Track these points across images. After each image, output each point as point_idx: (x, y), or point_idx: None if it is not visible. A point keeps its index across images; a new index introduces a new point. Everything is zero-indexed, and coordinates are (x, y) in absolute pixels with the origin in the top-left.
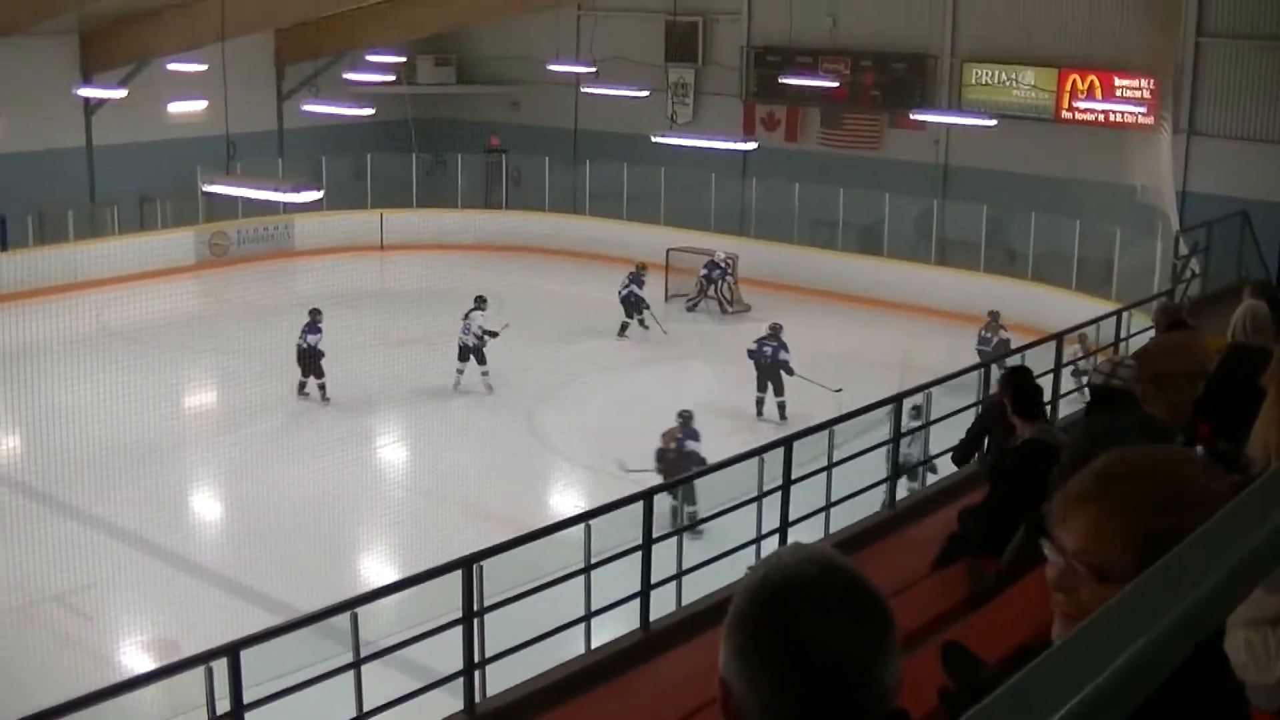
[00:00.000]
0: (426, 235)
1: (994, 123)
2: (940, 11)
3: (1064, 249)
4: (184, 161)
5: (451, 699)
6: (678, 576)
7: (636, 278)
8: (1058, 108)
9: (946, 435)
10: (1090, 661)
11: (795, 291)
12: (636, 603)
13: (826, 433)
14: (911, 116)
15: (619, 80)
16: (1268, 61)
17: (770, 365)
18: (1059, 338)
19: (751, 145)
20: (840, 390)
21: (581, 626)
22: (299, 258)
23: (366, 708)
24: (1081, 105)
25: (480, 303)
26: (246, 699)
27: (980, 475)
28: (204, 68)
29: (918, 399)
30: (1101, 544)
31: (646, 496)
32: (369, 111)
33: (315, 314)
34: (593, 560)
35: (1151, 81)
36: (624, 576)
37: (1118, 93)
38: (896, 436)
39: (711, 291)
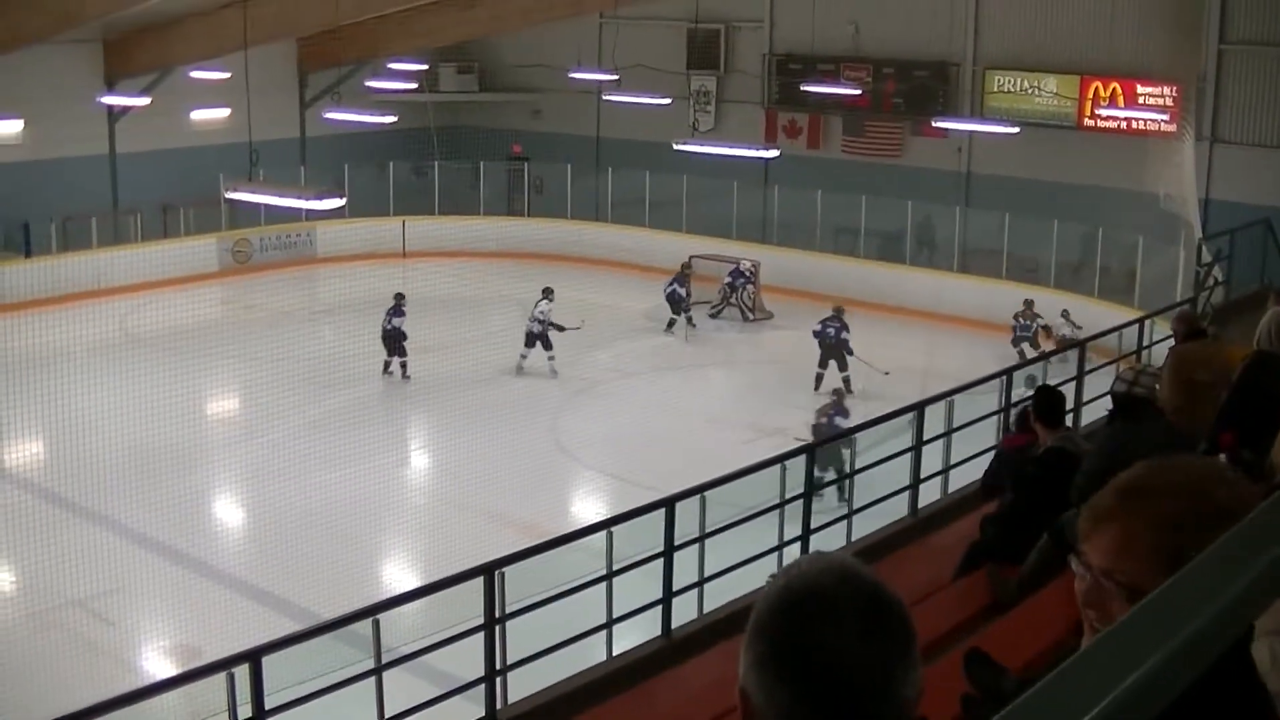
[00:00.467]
0: (449, 243)
1: (1016, 130)
2: (962, 19)
3: (1086, 257)
4: (207, 169)
5: (473, 706)
6: (699, 584)
7: (681, 276)
8: (1080, 115)
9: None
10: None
11: (817, 299)
12: (658, 610)
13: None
14: (933, 124)
15: (641, 88)
16: None
17: (834, 344)
18: (1081, 345)
19: (773, 153)
20: (888, 373)
21: (603, 634)
22: (321, 265)
23: (388, 714)
24: (1104, 113)
25: (547, 294)
26: (268, 705)
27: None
28: (227, 75)
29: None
30: (1129, 561)
31: (669, 504)
32: (391, 119)
33: (399, 298)
34: (614, 567)
35: (1174, 89)
36: (645, 584)
37: (1140, 100)
38: (919, 444)
39: (734, 299)
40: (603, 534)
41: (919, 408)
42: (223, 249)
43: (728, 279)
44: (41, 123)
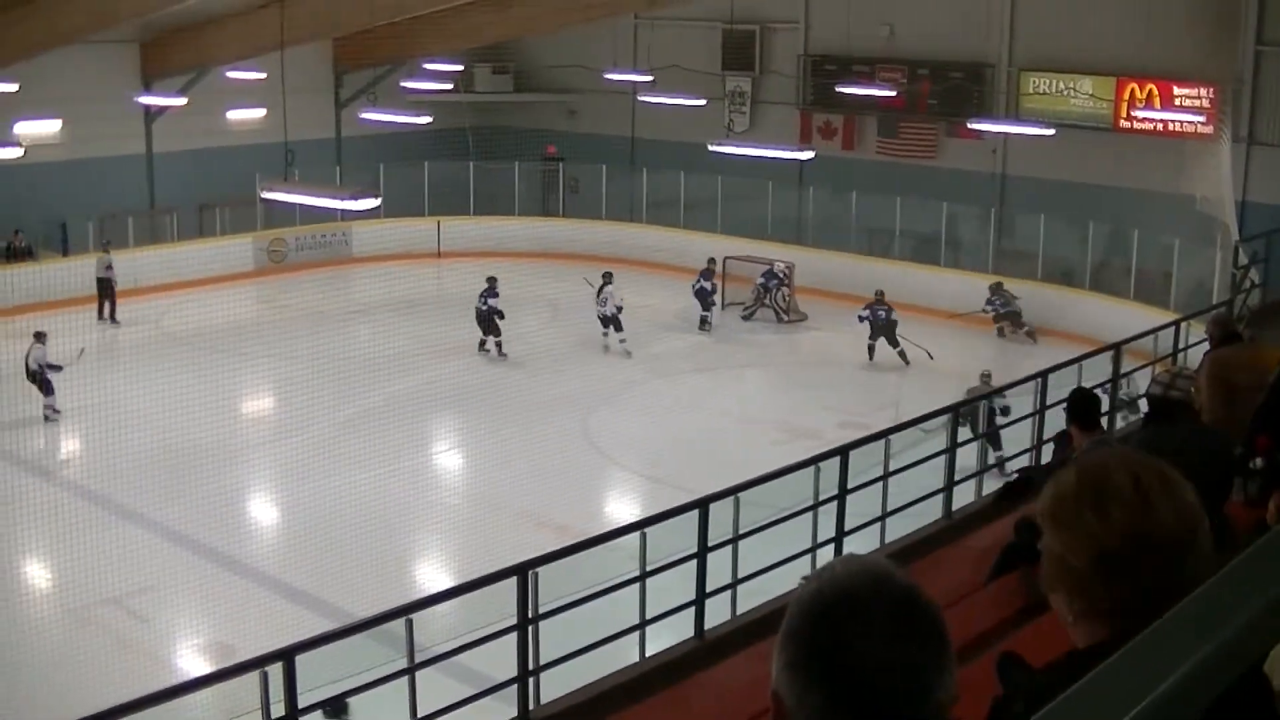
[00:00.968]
0: (484, 243)
1: (1052, 132)
2: (998, 20)
3: (1121, 259)
4: (243, 169)
5: (505, 706)
6: (732, 585)
7: (707, 272)
8: (1116, 117)
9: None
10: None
11: (851, 300)
12: (691, 611)
13: (883, 442)
14: (969, 126)
15: (676, 89)
16: None
17: (885, 325)
18: (1116, 348)
19: (808, 154)
20: (933, 357)
21: (636, 635)
22: (357, 264)
23: (421, 713)
24: (1140, 114)
25: (607, 277)
26: (301, 704)
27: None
28: (263, 76)
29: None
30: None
31: (702, 505)
32: (427, 120)
33: (492, 281)
34: (648, 568)
35: (1210, 90)
36: (679, 585)
37: (1177, 102)
38: (953, 446)
39: (767, 300)
40: (636, 535)
41: (953, 410)
42: (258, 249)
43: (760, 280)
44: (79, 122)
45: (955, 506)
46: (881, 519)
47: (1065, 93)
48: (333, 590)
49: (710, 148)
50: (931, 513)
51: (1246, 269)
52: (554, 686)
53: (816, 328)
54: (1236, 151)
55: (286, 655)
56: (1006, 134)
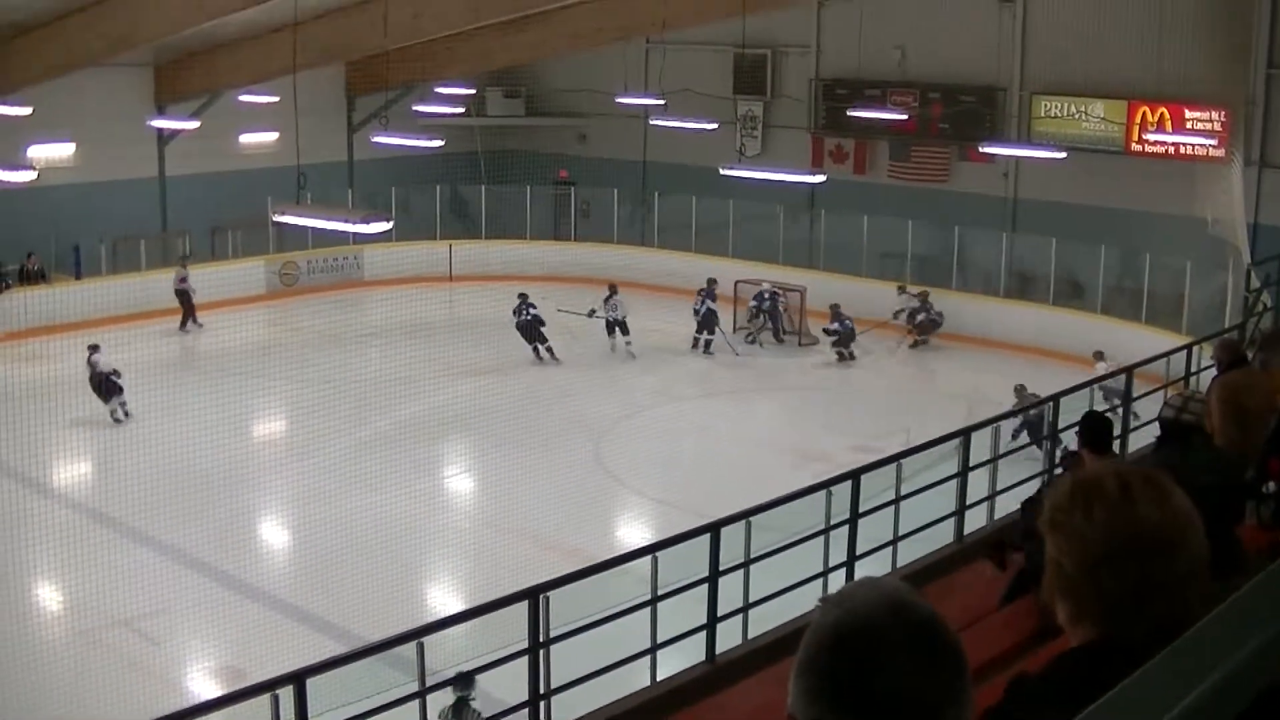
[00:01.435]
0: (496, 266)
1: (1063, 155)
2: (1009, 44)
3: (1133, 282)
4: (255, 192)
5: None
6: (744, 609)
7: (709, 292)
8: (1127, 140)
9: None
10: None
11: (863, 324)
12: (702, 635)
13: (894, 466)
14: (980, 149)
15: (687, 113)
16: None
17: (849, 333)
18: (1129, 371)
19: (820, 178)
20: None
21: (647, 659)
22: (368, 288)
23: None
24: (1151, 138)
25: (614, 289)
26: None
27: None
28: (275, 99)
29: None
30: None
31: (714, 529)
32: (438, 143)
33: (524, 296)
34: (659, 592)
35: (1222, 113)
36: (690, 609)
37: (1188, 125)
38: (964, 469)
39: (764, 321)
40: (648, 559)
41: (965, 434)
42: (270, 272)
43: (753, 302)
44: (92, 145)
45: (967, 530)
46: (894, 543)
47: (1077, 116)
48: (344, 613)
49: (722, 172)
50: (943, 537)
51: (1259, 292)
52: (565, 710)
53: (827, 351)
54: (1248, 174)
55: (297, 679)
56: (1018, 157)
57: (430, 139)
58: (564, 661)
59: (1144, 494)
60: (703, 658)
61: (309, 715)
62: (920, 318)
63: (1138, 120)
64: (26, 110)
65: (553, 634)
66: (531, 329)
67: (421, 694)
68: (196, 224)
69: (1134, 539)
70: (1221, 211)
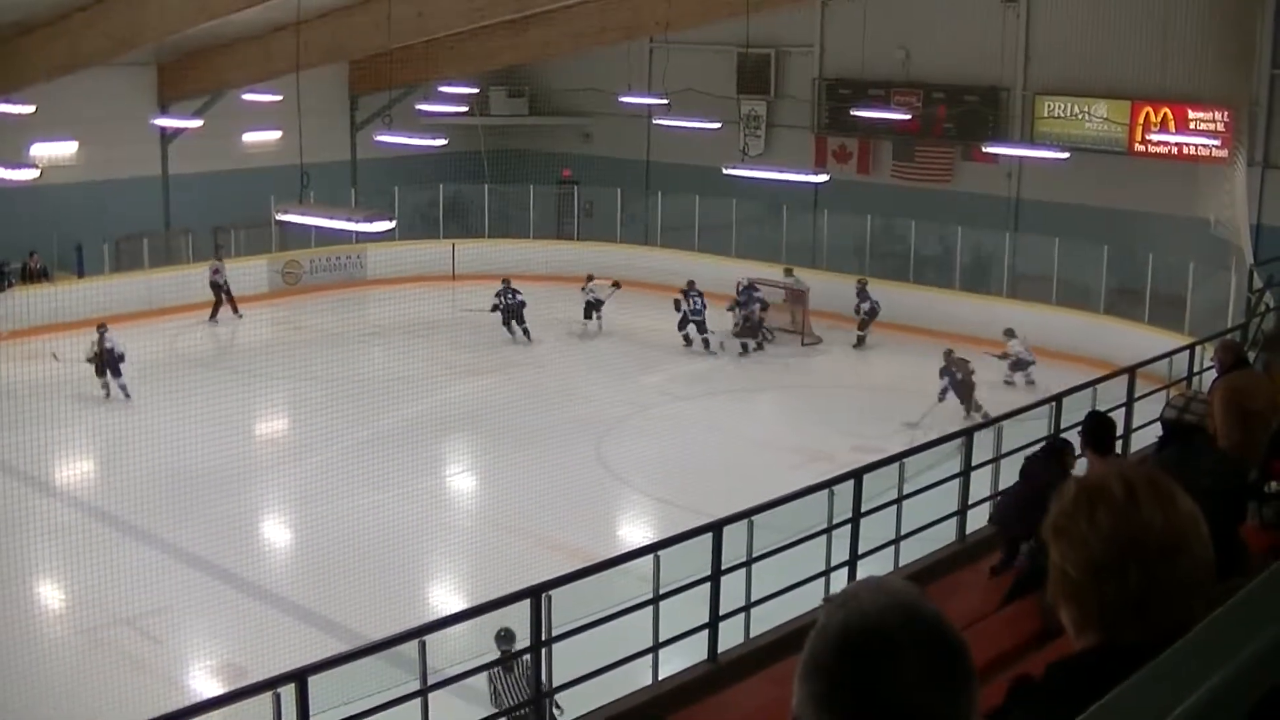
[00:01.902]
0: (498, 266)
1: (1066, 156)
2: (1012, 44)
3: (1136, 282)
4: (258, 191)
5: None
6: (746, 608)
7: (696, 293)
8: (1130, 140)
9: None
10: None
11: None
12: (705, 634)
13: (897, 466)
14: (984, 149)
15: (691, 112)
16: None
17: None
18: (1131, 372)
19: (823, 178)
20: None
21: (649, 658)
22: (371, 287)
23: None
24: (1154, 138)
25: (591, 278)
26: None
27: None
28: (278, 98)
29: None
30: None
31: (716, 528)
32: (442, 142)
33: (507, 281)
34: (661, 591)
35: (1225, 114)
36: (692, 608)
37: (1191, 125)
38: (967, 469)
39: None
40: (650, 558)
41: (968, 434)
42: (273, 270)
43: (740, 299)
44: (95, 144)
45: (969, 530)
46: (896, 542)
47: (1080, 116)
48: (346, 612)
49: (725, 171)
50: (945, 536)
51: (1261, 292)
52: (567, 709)
53: (831, 351)
54: (1251, 175)
55: (299, 677)
56: (1021, 158)
57: (433, 138)
58: (566, 660)
59: (1148, 498)
60: (705, 657)
61: (310, 713)
62: (864, 307)
63: (1141, 121)
64: (30, 109)
65: (555, 633)
66: (515, 311)
67: (423, 692)
68: (199, 223)
69: (1138, 544)
70: (1224, 212)
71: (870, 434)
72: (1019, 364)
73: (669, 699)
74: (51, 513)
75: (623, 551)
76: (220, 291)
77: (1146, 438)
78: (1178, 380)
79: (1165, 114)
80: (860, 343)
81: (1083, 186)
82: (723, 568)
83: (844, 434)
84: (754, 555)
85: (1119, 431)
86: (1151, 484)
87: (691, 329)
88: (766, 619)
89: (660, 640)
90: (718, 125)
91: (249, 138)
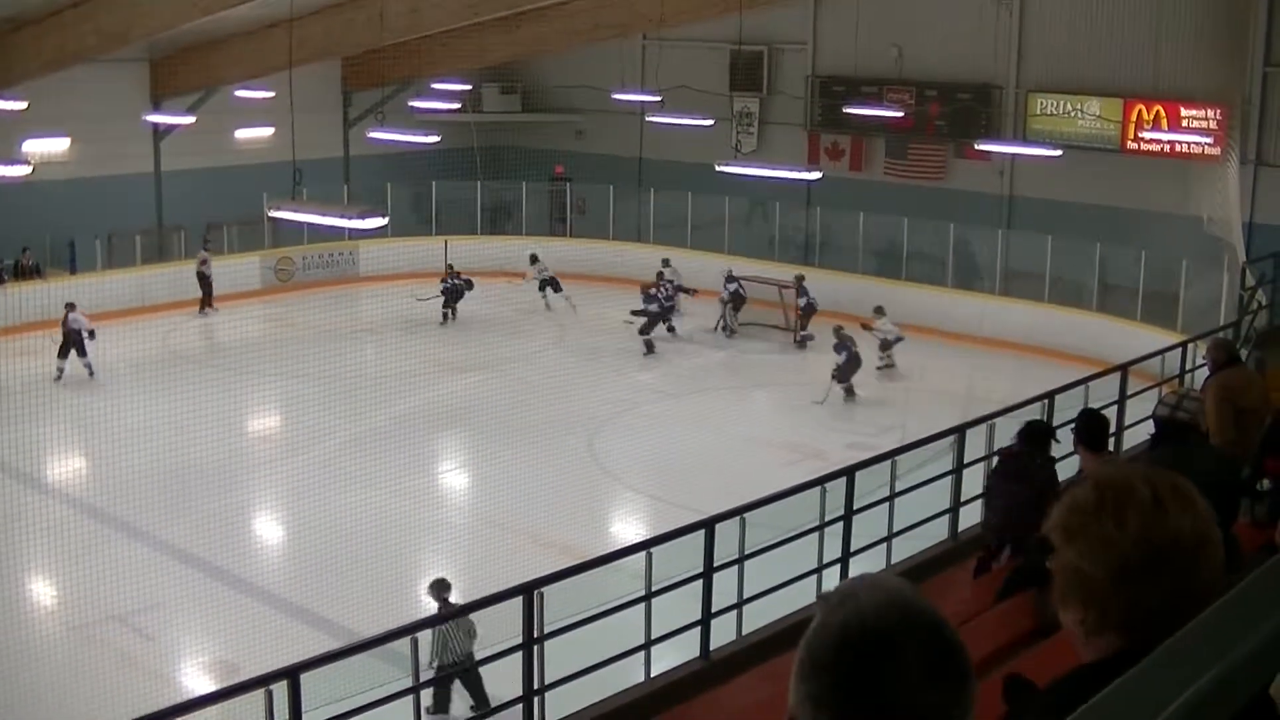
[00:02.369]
0: (491, 262)
1: (1059, 153)
2: (1005, 42)
3: (1129, 280)
4: (250, 187)
5: None
6: (738, 605)
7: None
8: (1123, 138)
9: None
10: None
11: (859, 321)
12: (697, 631)
13: (889, 463)
14: (976, 147)
15: (684, 109)
16: None
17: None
18: (1124, 369)
19: (816, 175)
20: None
21: (641, 654)
22: (364, 284)
23: None
24: (1147, 136)
25: (535, 258)
26: None
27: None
28: (271, 95)
29: None
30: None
31: (709, 525)
32: (434, 139)
33: (451, 266)
34: (653, 588)
35: (1218, 111)
36: (684, 605)
37: (1184, 123)
38: (959, 467)
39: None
40: (642, 555)
41: (960, 431)
42: (265, 267)
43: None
44: (88, 141)
45: (961, 527)
46: (888, 539)
47: (1072, 114)
48: (338, 609)
49: (718, 168)
50: (938, 533)
51: (1254, 290)
52: (559, 706)
53: (824, 348)
54: (1244, 173)
55: (291, 674)
56: (1014, 155)
57: (426, 135)
58: (558, 657)
59: (1175, 503)
60: (697, 654)
61: (303, 710)
62: (802, 302)
63: (1133, 118)
64: (22, 105)
65: (547, 630)
66: (456, 294)
67: (416, 689)
68: (192, 219)
69: (1169, 549)
70: (1217, 210)
71: (863, 431)
72: (886, 343)
73: (661, 696)
74: (44, 509)
75: (615, 548)
76: (206, 283)
77: (1139, 435)
78: (1170, 378)
79: (1158, 111)
80: (802, 344)
81: (1075, 184)
82: (715, 565)
83: (837, 431)
84: (746, 552)
85: (1111, 429)
86: (1174, 487)
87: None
88: (759, 616)
89: (652, 637)
90: (711, 122)
91: (241, 134)
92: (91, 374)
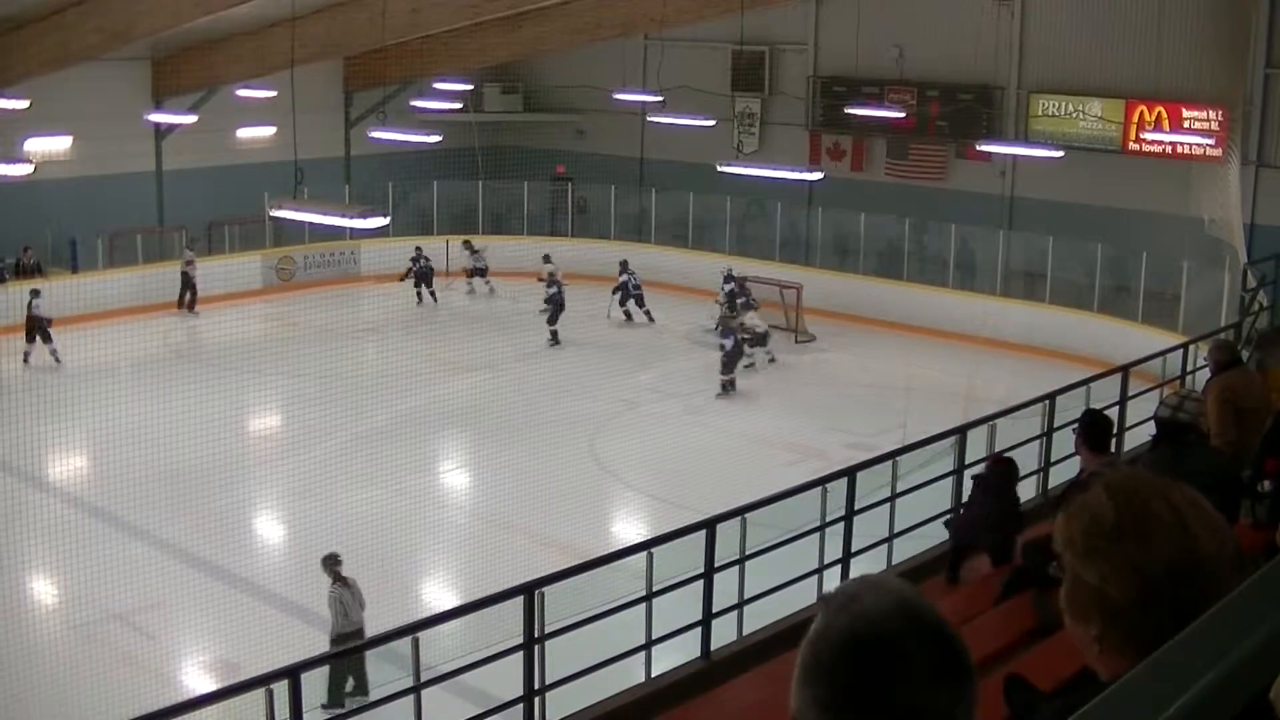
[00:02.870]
0: (492, 262)
1: (1060, 154)
2: (1007, 42)
3: (1130, 281)
4: (252, 187)
5: None
6: (739, 606)
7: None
8: (1125, 139)
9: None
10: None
11: (860, 322)
12: (697, 631)
13: (890, 463)
14: (978, 148)
15: (685, 110)
16: None
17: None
18: (1125, 370)
19: (817, 175)
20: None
21: (642, 655)
22: (364, 283)
23: None
24: (1149, 137)
25: (468, 244)
26: None
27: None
28: (273, 94)
29: None
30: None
31: (709, 525)
32: (436, 139)
33: (419, 249)
34: (654, 588)
35: (1219, 113)
36: (685, 605)
37: (1185, 124)
38: (960, 468)
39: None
40: (643, 555)
41: (961, 431)
42: (267, 266)
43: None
44: (90, 139)
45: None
46: (889, 540)
47: (1074, 115)
48: None
49: (719, 168)
50: (938, 534)
51: (1255, 291)
52: (560, 706)
53: (825, 349)
54: (1245, 174)
55: (292, 673)
56: (1015, 156)
57: (428, 134)
58: (559, 657)
59: (1198, 523)
60: (698, 654)
61: (304, 710)
62: (740, 301)
63: (1135, 119)
64: (24, 103)
65: (548, 630)
66: (425, 277)
67: (417, 689)
68: (193, 218)
69: (1195, 573)
70: (1218, 211)
71: (864, 431)
72: (757, 337)
73: (662, 696)
74: (44, 508)
75: (616, 549)
76: (190, 282)
77: (1140, 436)
78: (1171, 379)
79: (1159, 113)
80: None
81: (1077, 185)
82: (716, 565)
83: (838, 431)
84: (747, 553)
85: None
86: (1195, 505)
87: (631, 304)
88: (760, 616)
89: (653, 637)
90: (712, 122)
91: (243, 133)
92: (58, 361)
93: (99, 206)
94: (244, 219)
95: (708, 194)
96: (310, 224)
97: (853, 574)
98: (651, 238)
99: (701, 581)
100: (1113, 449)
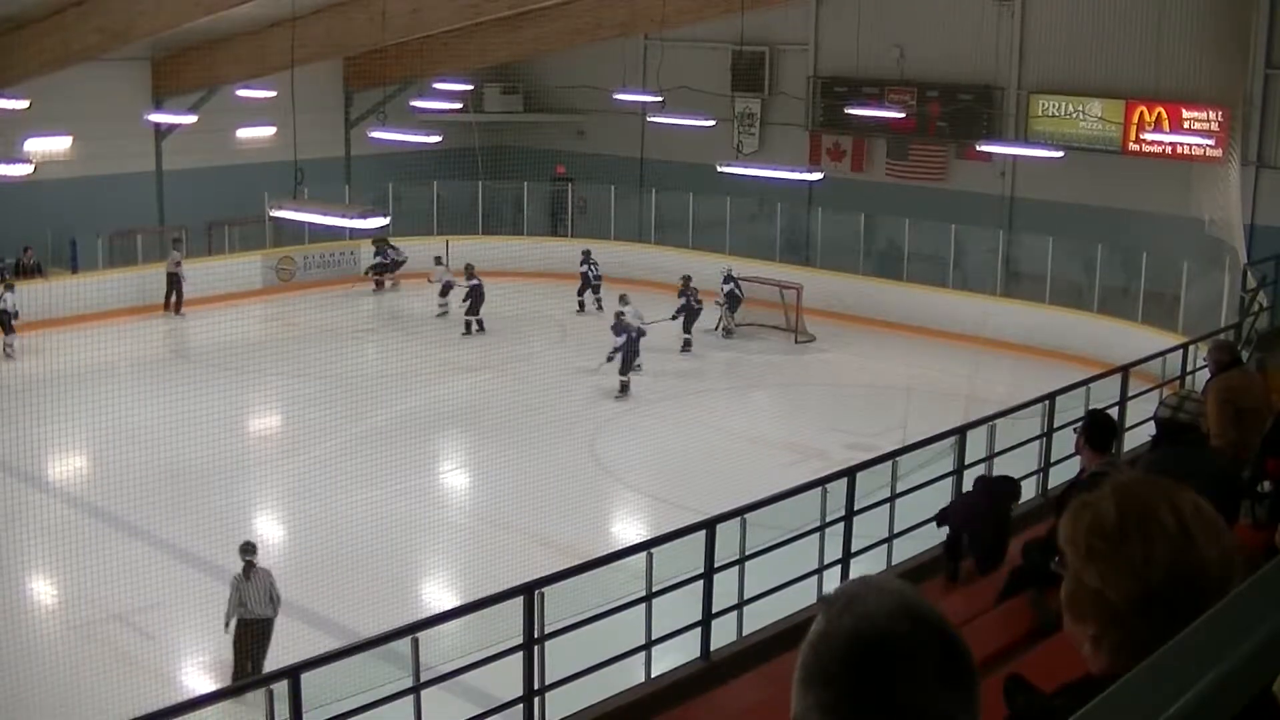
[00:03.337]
0: (492, 262)
1: (1060, 155)
2: (1007, 43)
3: (1130, 282)
4: (252, 187)
5: None
6: (739, 606)
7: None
8: (1125, 140)
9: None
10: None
11: (860, 322)
12: (697, 632)
13: (890, 464)
14: (978, 148)
15: (685, 110)
16: None
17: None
18: (1125, 371)
19: (817, 176)
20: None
21: (642, 655)
22: (365, 283)
23: None
24: (1149, 137)
25: (440, 260)
26: None
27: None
28: (273, 94)
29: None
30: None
31: (709, 526)
32: (436, 139)
33: (384, 240)
34: (654, 589)
35: (1220, 113)
36: (685, 605)
37: (1185, 125)
38: (960, 468)
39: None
40: (643, 555)
41: (961, 432)
42: (267, 267)
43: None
44: (90, 140)
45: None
46: (889, 540)
47: (1074, 115)
48: (339, 608)
49: (719, 169)
50: (939, 534)
51: (1255, 292)
52: (560, 706)
53: (825, 349)
54: (1245, 174)
55: (292, 673)
56: (1015, 156)
57: (428, 135)
58: (559, 657)
59: (1201, 530)
60: (697, 654)
61: (304, 710)
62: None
63: (1135, 120)
64: (24, 103)
65: (548, 630)
66: (389, 268)
67: (416, 689)
68: (193, 219)
69: (1197, 579)
70: (1218, 212)
71: (864, 431)
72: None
73: (661, 696)
74: (45, 509)
75: (616, 549)
76: (176, 283)
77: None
78: (1171, 379)
79: (1160, 113)
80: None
81: (1077, 185)
82: (715, 565)
83: (838, 431)
84: (747, 553)
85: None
86: (1198, 512)
87: (588, 294)
88: (759, 617)
89: (653, 638)
90: (712, 123)
91: (243, 133)
92: (8, 356)
93: (99, 206)
94: (244, 219)
95: (708, 194)
96: (310, 224)
97: (853, 574)
98: (652, 238)
99: (701, 582)
100: (1114, 449)
